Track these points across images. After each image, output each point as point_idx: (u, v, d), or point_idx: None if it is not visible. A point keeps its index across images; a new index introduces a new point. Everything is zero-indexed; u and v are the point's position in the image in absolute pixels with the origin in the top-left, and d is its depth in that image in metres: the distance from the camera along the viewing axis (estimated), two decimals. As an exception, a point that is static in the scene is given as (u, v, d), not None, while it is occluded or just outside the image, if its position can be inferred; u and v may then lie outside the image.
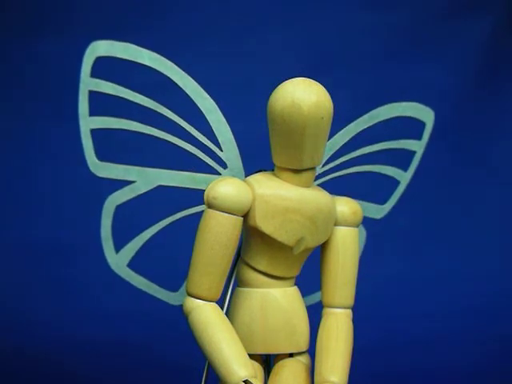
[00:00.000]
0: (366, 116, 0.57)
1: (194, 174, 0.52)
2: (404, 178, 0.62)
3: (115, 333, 1.00)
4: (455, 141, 1.14)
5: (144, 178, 0.52)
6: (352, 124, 0.56)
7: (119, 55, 0.50)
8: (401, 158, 0.61)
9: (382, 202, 0.62)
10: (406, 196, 0.63)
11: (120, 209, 0.52)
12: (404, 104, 0.59)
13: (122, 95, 0.50)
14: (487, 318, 1.06)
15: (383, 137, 0.59)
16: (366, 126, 0.57)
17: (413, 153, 0.62)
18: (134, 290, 0.55)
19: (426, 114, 0.61)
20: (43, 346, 0.98)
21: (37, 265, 1.09)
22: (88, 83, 0.49)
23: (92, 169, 0.51)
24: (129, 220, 0.53)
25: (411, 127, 0.60)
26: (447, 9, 1.15)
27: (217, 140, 0.52)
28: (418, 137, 0.61)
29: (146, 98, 0.51)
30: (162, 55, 0.51)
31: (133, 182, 0.52)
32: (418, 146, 0.62)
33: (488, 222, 1.16)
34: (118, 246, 0.53)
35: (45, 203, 1.11)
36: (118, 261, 0.53)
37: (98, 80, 0.50)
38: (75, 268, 1.07)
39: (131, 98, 0.50)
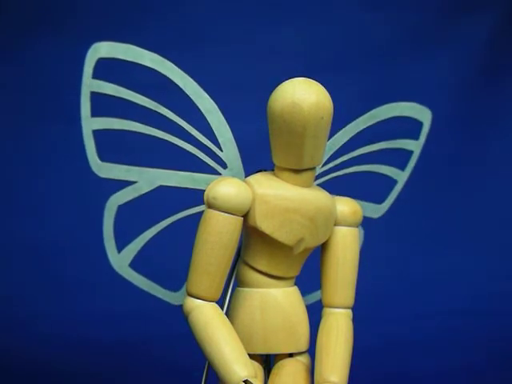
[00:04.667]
0: (365, 116, 0.57)
1: (194, 174, 0.52)
2: (401, 177, 0.62)
3: (115, 333, 1.00)
4: (454, 140, 1.14)
5: (145, 179, 0.52)
6: (351, 124, 0.56)
7: (120, 56, 0.50)
8: (398, 158, 0.61)
9: (380, 201, 0.62)
10: (405, 195, 0.63)
11: (121, 209, 0.52)
12: (402, 104, 0.59)
13: (123, 96, 0.50)
14: (487, 317, 1.06)
15: (381, 137, 0.59)
16: (365, 126, 0.57)
17: (410, 152, 0.62)
18: (134, 290, 0.55)
19: (423, 114, 0.61)
20: (43, 346, 0.98)
21: (36, 265, 1.08)
22: (90, 85, 0.49)
23: (94, 169, 0.50)
24: (130, 220, 0.53)
25: (409, 127, 0.60)
26: (447, 9, 1.15)
27: (217, 140, 0.52)
28: (416, 137, 0.61)
29: (146, 99, 0.51)
30: (161, 55, 0.51)
31: (134, 182, 0.52)
32: (415, 146, 0.62)
33: (487, 222, 1.16)
34: (120, 246, 0.53)
35: (45, 203, 1.11)
36: (120, 261, 0.53)
37: (99, 81, 0.49)
38: (75, 268, 1.07)
39: (132, 99, 0.50)
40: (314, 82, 0.49)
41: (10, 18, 1.11)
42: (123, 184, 0.52)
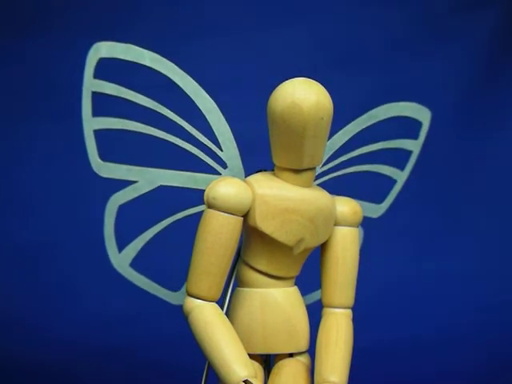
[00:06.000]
0: (364, 116, 0.57)
1: (195, 174, 0.52)
2: (400, 177, 0.62)
3: (114, 333, 1.00)
4: (455, 140, 1.14)
5: (146, 178, 0.52)
6: (351, 124, 0.56)
7: (121, 56, 0.50)
8: (398, 158, 0.61)
9: (379, 201, 0.62)
10: (406, 195, 0.63)
11: (122, 209, 0.52)
12: (401, 104, 0.59)
13: (124, 96, 0.50)
14: (487, 317, 1.06)
15: (380, 136, 0.59)
16: (364, 126, 0.57)
17: (409, 152, 0.62)
18: (133, 291, 0.55)
19: (422, 114, 0.61)
20: (39, 349, 0.98)
21: (30, 267, 1.08)
22: (91, 84, 0.49)
23: (95, 169, 0.51)
24: (130, 220, 0.53)
25: (408, 127, 0.60)
26: (448, 7, 1.15)
27: (217, 140, 0.52)
28: (415, 136, 0.61)
29: (147, 99, 0.51)
30: (161, 55, 0.51)
31: (135, 182, 0.52)
32: (414, 146, 0.62)
33: (488, 222, 1.16)
34: (121, 245, 0.53)
35: (34, 204, 1.10)
36: (121, 260, 0.53)
37: (100, 81, 0.50)
38: (74, 269, 1.07)
39: (133, 99, 0.50)
40: (314, 82, 0.49)
41: (8, 18, 1.11)
42: (124, 184, 0.52)
